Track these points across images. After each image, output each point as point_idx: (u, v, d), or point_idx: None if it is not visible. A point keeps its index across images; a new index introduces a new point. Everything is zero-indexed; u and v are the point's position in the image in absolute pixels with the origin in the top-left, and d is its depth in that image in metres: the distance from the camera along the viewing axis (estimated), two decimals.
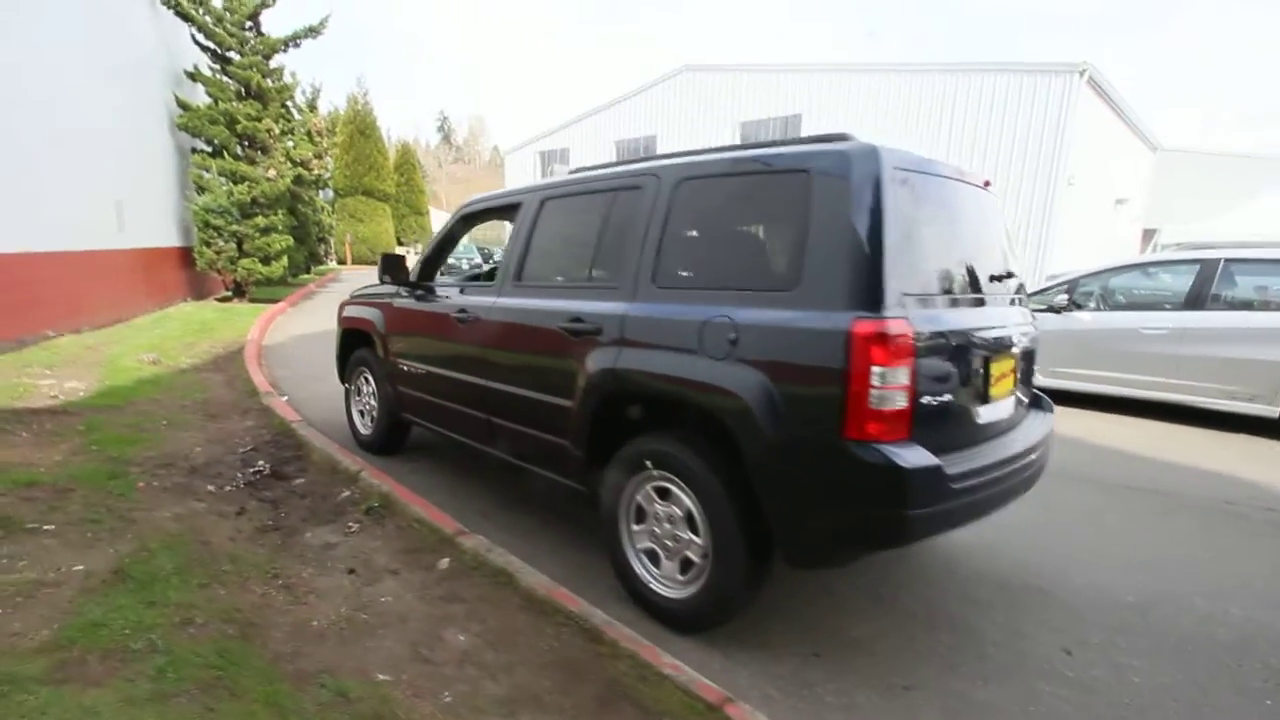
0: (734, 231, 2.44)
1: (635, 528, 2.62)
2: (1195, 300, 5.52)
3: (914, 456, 1.94)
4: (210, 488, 3.65)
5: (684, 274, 2.46)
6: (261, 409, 5.24)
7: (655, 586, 2.54)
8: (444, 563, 2.81)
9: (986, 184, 2.80)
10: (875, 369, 1.91)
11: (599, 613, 2.36)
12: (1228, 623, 2.60)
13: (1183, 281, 5.71)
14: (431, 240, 3.96)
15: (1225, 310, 5.40)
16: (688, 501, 2.39)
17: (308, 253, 15.68)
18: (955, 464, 2.06)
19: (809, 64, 18.55)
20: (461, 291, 3.61)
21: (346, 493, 3.60)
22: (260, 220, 11.16)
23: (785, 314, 2.10)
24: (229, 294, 11.81)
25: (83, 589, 2.40)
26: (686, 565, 2.44)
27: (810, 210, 2.11)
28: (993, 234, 2.75)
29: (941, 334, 2.12)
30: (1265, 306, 5.26)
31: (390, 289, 4.22)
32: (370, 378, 4.37)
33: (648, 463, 2.49)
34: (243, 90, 11.53)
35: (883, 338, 1.91)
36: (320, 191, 18.06)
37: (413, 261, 4.07)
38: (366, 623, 2.37)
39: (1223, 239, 12.47)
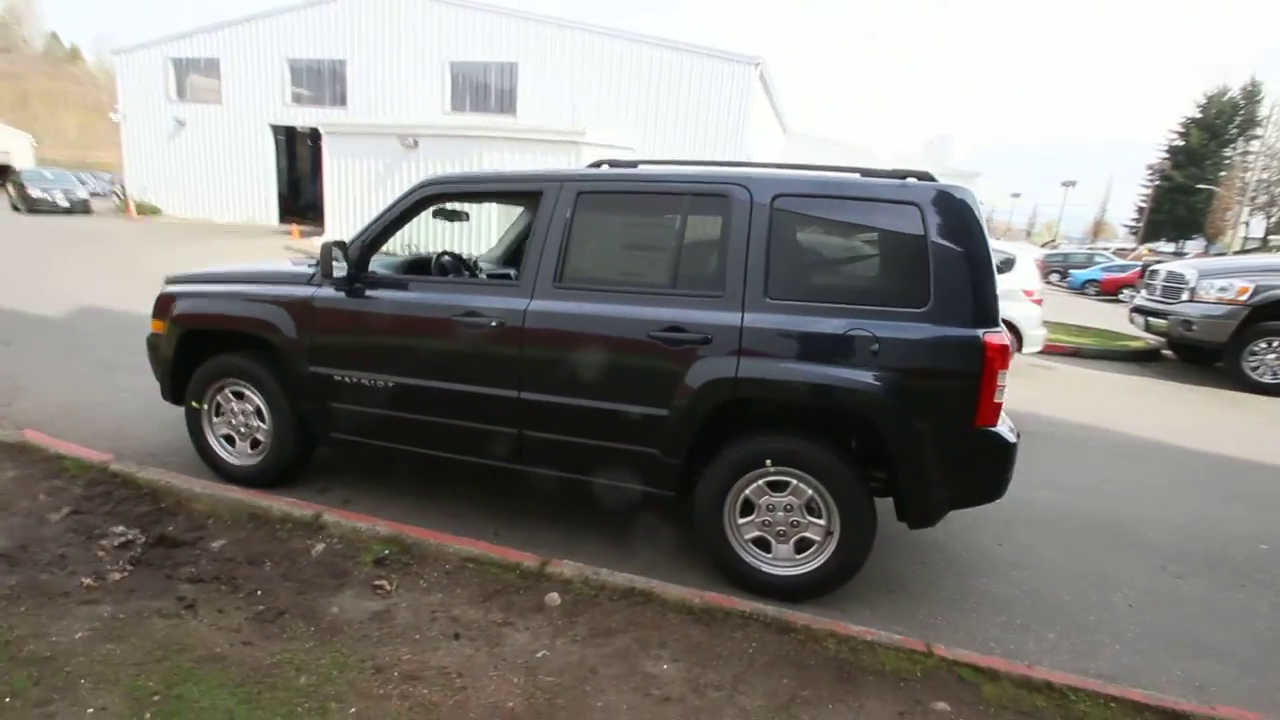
0: (847, 251, 2.74)
1: (741, 521, 2.81)
2: None
3: (1011, 435, 2.62)
4: (85, 580, 2.53)
5: (798, 288, 2.67)
6: (10, 450, 3.55)
7: (767, 569, 2.79)
8: (552, 599, 2.58)
9: None
10: (1000, 372, 2.50)
11: (767, 606, 2.55)
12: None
13: None
14: (373, 221, 3.21)
15: None
16: (809, 490, 2.70)
17: None
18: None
19: (527, 12, 18.22)
20: (441, 289, 3.09)
21: (320, 545, 2.87)
22: None
23: (923, 327, 2.52)
24: None
25: None
26: (803, 545, 2.77)
27: (928, 239, 2.55)
28: None
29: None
30: None
31: (291, 278, 3.33)
32: (255, 393, 3.39)
33: (768, 461, 2.70)
34: None
35: (1003, 349, 2.50)
36: None
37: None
38: (557, 685, 2.13)
39: None
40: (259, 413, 3.44)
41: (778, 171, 2.79)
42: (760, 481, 2.74)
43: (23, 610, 2.33)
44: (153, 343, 3.65)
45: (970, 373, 2.49)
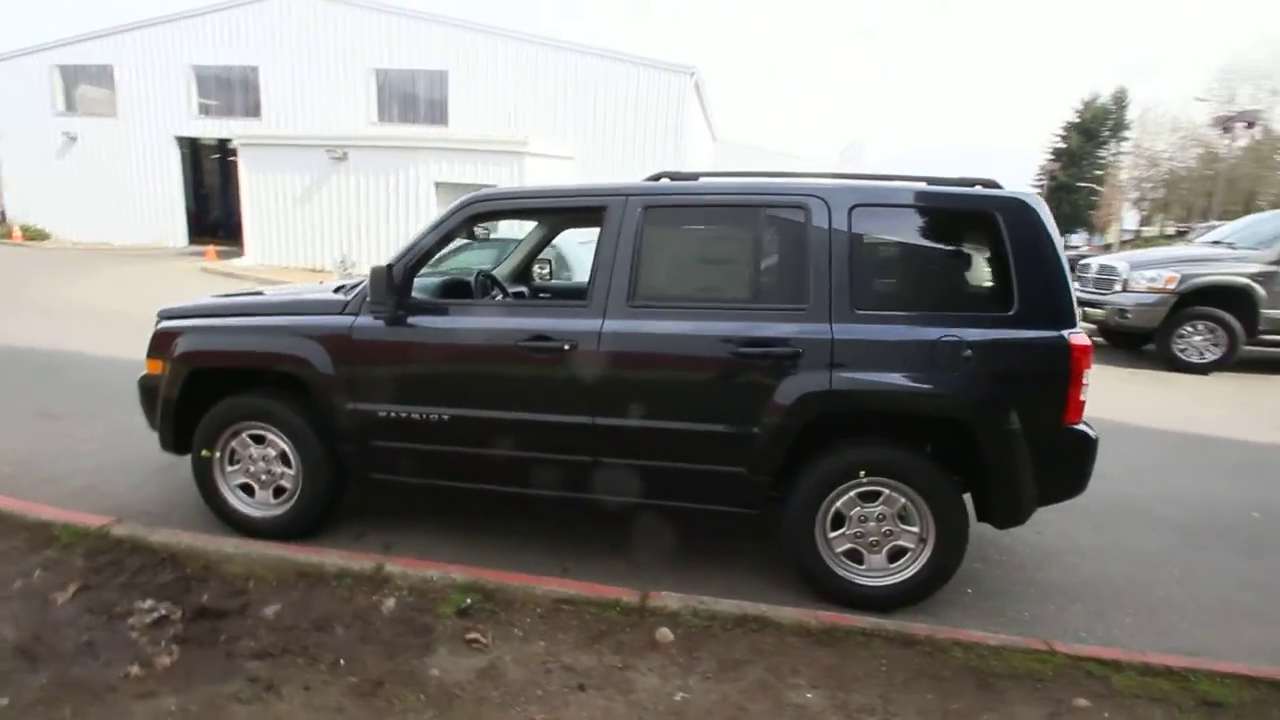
0: (928, 260, 2.77)
1: (832, 534, 2.78)
2: None
3: (1093, 431, 2.71)
4: (131, 669, 2.19)
5: (884, 298, 2.67)
6: None
7: (861, 581, 2.77)
8: (664, 634, 2.45)
9: None
10: (1085, 371, 2.59)
11: (886, 621, 2.52)
12: None
13: None
14: (412, 242, 2.98)
15: None
16: (901, 499, 2.70)
17: None
18: None
19: (457, 19, 17.74)
20: (499, 313, 2.91)
21: (390, 601, 2.61)
22: None
23: (1011, 331, 2.58)
24: None
25: None
26: (897, 554, 2.76)
27: (1006, 246, 2.61)
28: None
29: None
30: None
31: (320, 306, 3.06)
32: (279, 435, 3.08)
33: (862, 472, 2.68)
34: None
35: (1086, 348, 2.59)
36: None
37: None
38: None
39: None
40: (284, 457, 3.12)
41: (852, 182, 2.79)
42: (852, 493, 2.72)
43: (68, 715, 1.99)
44: (148, 385, 3.25)
45: (1059, 372, 2.56)
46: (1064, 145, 49.28)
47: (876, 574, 2.77)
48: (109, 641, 2.35)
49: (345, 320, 2.96)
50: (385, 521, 3.44)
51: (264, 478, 3.16)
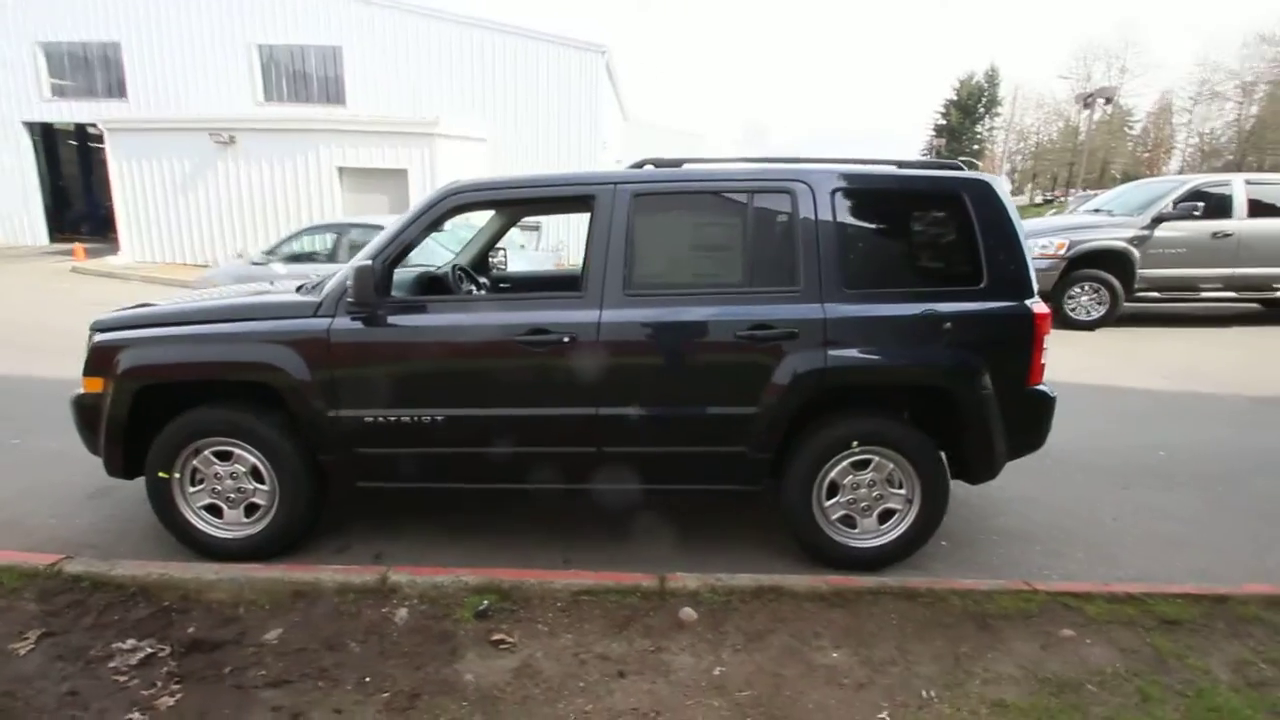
0: (905, 239, 2.92)
1: (827, 503, 2.93)
2: None
3: (1052, 391, 2.98)
4: (132, 716, 2.02)
5: (870, 277, 2.81)
6: None
7: (855, 543, 2.94)
8: (687, 614, 2.51)
9: None
10: (1045, 337, 2.84)
11: (887, 579, 2.70)
12: None
13: None
14: (391, 235, 2.83)
15: None
16: (890, 465, 2.89)
17: None
18: None
19: None
20: (490, 308, 2.83)
21: (402, 611, 2.52)
22: None
23: (982, 305, 2.79)
24: None
25: None
26: (886, 515, 2.95)
27: (974, 225, 2.81)
28: None
29: None
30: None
31: (288, 309, 2.88)
32: (249, 450, 2.87)
33: (854, 442, 2.84)
34: None
35: (1046, 316, 2.84)
36: None
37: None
38: (756, 697, 2.09)
39: None
40: (255, 473, 2.91)
41: (832, 166, 2.89)
42: (845, 463, 2.88)
43: None
44: (85, 405, 2.93)
45: (1024, 339, 2.81)
46: (944, 122, 52.76)
47: (869, 536, 2.95)
48: (95, 690, 2.14)
49: (321, 323, 2.78)
50: (367, 531, 3.29)
51: (233, 496, 2.94)
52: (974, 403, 2.79)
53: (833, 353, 2.74)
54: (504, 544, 3.18)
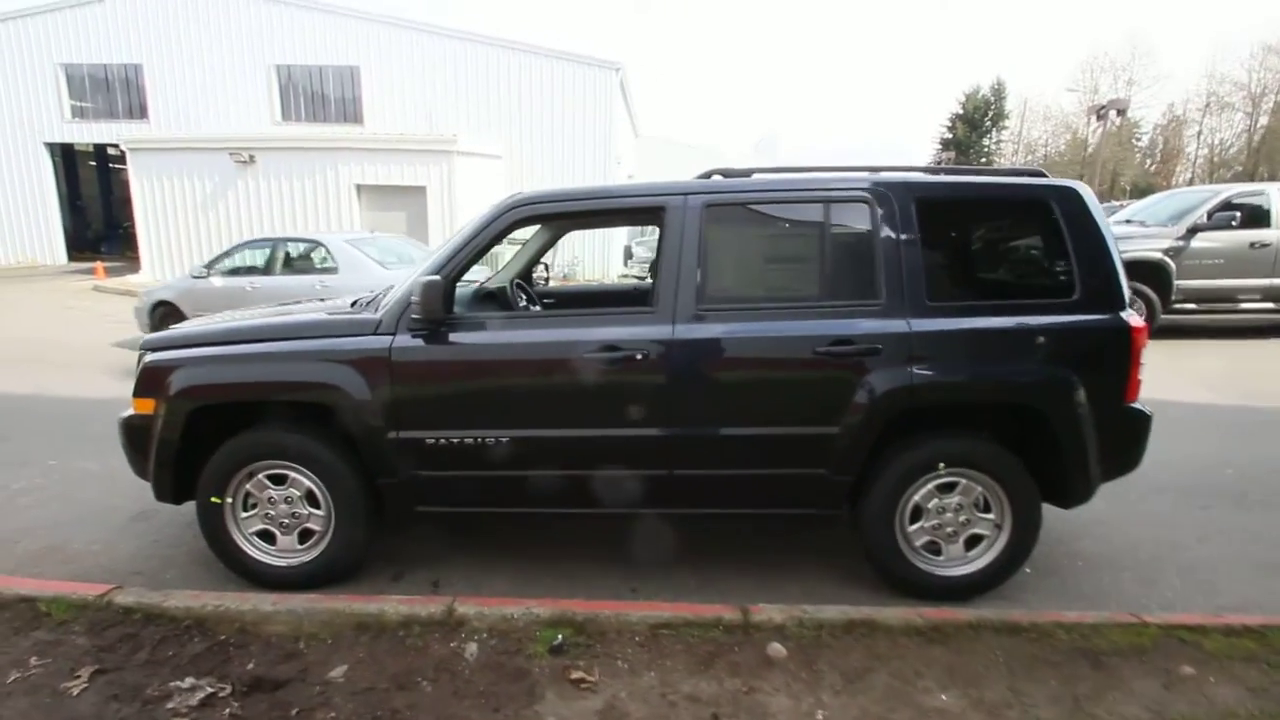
0: (991, 250, 2.80)
1: (910, 528, 2.78)
2: None
3: (1148, 409, 2.83)
4: None
5: (955, 289, 2.68)
6: None
7: (941, 572, 2.78)
8: (776, 650, 2.35)
9: None
10: (1143, 351, 2.69)
11: (985, 611, 2.53)
12: None
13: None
14: (453, 250, 2.72)
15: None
16: (978, 488, 2.73)
17: None
18: None
19: (366, 12, 16.77)
20: (557, 324, 2.71)
21: (472, 646, 2.37)
22: None
23: (1076, 317, 2.65)
24: None
25: None
26: (973, 542, 2.79)
27: (1064, 233, 2.68)
28: None
29: None
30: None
31: (345, 327, 2.76)
32: (304, 473, 2.75)
33: (940, 464, 2.69)
34: None
35: (1143, 329, 2.70)
36: None
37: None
38: None
39: None
40: (309, 497, 2.79)
41: (910, 175, 2.78)
42: (930, 485, 2.73)
43: None
44: (135, 427, 2.83)
45: (1121, 354, 2.66)
46: (951, 136, 52.76)
47: (955, 563, 2.79)
48: None
49: (382, 340, 2.67)
50: (419, 558, 3.15)
51: (286, 522, 2.81)
52: (1070, 421, 2.64)
53: (918, 369, 2.60)
54: (562, 569, 3.04)
